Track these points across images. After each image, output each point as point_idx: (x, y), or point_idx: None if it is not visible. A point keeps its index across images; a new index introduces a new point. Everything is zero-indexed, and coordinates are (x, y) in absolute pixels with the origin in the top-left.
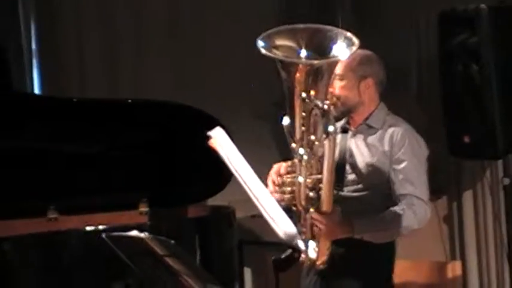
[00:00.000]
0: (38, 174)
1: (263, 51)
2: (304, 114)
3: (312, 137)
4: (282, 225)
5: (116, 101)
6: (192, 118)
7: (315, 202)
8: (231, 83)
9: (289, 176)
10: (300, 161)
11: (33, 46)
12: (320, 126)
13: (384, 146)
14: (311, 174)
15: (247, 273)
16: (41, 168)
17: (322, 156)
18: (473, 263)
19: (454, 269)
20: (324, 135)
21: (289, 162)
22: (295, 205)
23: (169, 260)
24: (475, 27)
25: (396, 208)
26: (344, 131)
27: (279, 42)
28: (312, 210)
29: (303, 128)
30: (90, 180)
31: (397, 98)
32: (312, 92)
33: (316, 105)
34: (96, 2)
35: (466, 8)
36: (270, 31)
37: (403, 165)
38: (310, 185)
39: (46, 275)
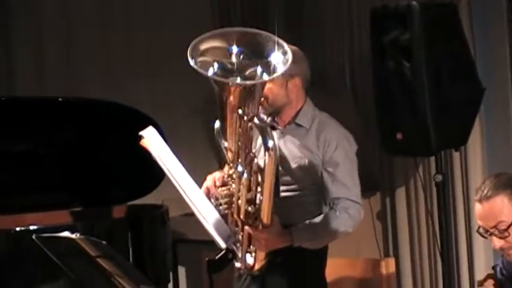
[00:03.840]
0: None
1: (194, 65)
2: (240, 130)
3: (250, 154)
4: (216, 226)
5: (44, 99)
6: (124, 116)
7: (253, 216)
8: (164, 79)
9: (224, 188)
10: (239, 177)
11: None
12: (256, 139)
13: (315, 147)
14: (249, 189)
15: (182, 272)
16: None
17: (261, 171)
18: (407, 260)
19: (387, 266)
20: (264, 151)
21: (224, 174)
22: (231, 214)
23: (102, 261)
24: (406, 24)
25: (332, 212)
26: (272, 128)
27: (210, 47)
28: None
29: (239, 143)
30: (19, 179)
31: (330, 96)
32: (247, 106)
33: (254, 122)
34: (25, 2)
35: (397, 5)
36: (198, 38)
37: (337, 168)
38: (248, 200)
39: None
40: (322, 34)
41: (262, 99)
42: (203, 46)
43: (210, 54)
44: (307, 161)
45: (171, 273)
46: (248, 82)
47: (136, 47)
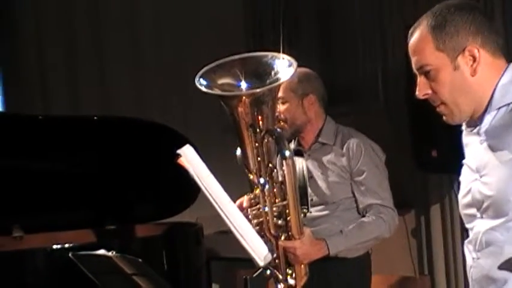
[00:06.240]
0: (1, 192)
1: (203, 89)
2: (256, 144)
3: (270, 165)
4: (254, 245)
5: (78, 118)
6: (158, 134)
7: (284, 229)
8: (196, 97)
9: (253, 208)
10: (262, 190)
11: None
12: (274, 153)
13: (341, 161)
14: (275, 202)
15: None
16: (4, 186)
17: (283, 182)
18: (442, 277)
19: (422, 284)
20: (282, 161)
21: (250, 195)
22: (263, 235)
23: (138, 279)
24: None
25: (365, 219)
26: (298, 154)
27: (218, 77)
28: (282, 237)
29: (259, 158)
30: (55, 198)
31: (363, 111)
32: (260, 120)
33: (268, 133)
34: (56, 21)
35: None
36: (206, 68)
37: (363, 176)
38: (276, 213)
39: None
40: (356, 48)
41: (282, 122)
42: (211, 77)
43: (218, 85)
44: (337, 176)
45: None
46: (257, 90)
47: (167, 65)
